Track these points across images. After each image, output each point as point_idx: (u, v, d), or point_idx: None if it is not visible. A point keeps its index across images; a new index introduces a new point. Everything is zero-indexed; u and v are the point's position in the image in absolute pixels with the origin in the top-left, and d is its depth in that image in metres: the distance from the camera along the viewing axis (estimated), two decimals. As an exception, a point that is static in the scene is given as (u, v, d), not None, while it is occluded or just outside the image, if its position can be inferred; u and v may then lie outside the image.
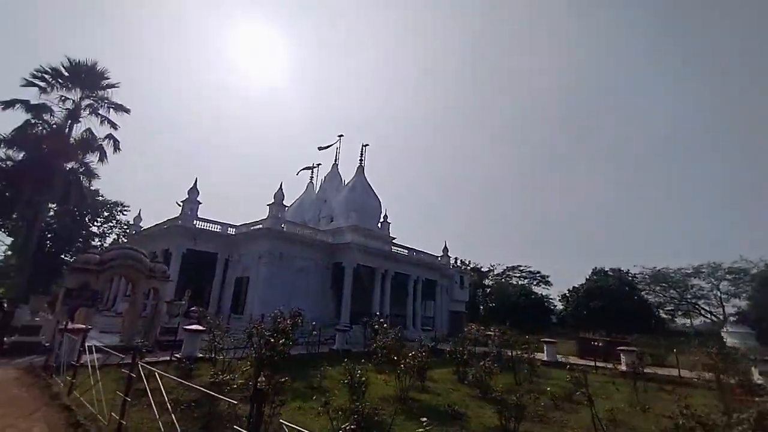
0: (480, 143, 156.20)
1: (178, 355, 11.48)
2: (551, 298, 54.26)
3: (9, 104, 20.00)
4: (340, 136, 43.58)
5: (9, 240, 35.32)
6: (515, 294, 50.25)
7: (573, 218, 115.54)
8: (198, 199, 23.27)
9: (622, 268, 49.63)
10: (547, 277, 58.15)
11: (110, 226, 41.66)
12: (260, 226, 22.33)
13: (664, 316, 50.31)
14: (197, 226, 22.99)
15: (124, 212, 42.58)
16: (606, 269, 49.19)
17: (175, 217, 23.22)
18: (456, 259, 53.65)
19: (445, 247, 36.47)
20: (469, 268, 56.03)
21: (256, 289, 21.13)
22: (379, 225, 36.14)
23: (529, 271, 59.17)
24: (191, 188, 23.19)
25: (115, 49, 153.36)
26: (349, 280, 23.19)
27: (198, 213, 23.21)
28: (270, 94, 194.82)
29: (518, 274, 59.73)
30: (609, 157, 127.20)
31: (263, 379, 5.78)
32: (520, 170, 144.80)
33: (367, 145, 39.38)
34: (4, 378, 7.77)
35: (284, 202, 23.07)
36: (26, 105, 20.40)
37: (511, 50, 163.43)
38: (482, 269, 59.74)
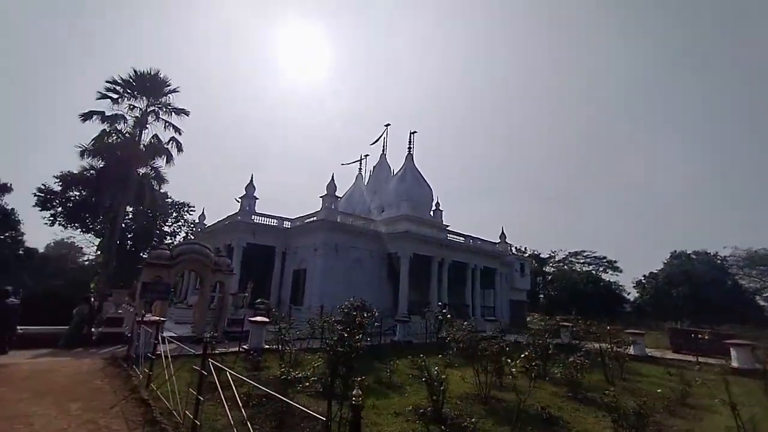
0: (532, 125, 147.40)
1: (245, 347, 11.58)
2: (621, 286, 49.70)
3: (87, 116, 21.72)
4: (387, 125, 42.92)
5: (97, 241, 39.44)
6: (580, 281, 46.57)
7: (641, 200, 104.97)
8: (255, 194, 23.89)
9: (708, 251, 43.87)
10: (615, 262, 53.32)
11: (179, 225, 44.96)
12: (314, 218, 22.40)
13: (762, 303, 43.85)
14: (255, 220, 23.64)
15: (190, 212, 45.73)
16: (688, 252, 43.82)
17: (234, 213, 24.07)
18: (512, 246, 51.03)
19: (503, 233, 34.52)
20: (527, 255, 52.99)
21: (314, 281, 21.26)
22: (431, 213, 35.09)
23: (594, 257, 54.65)
24: (248, 185, 23.85)
25: (169, 54, 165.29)
26: (405, 269, 22.57)
27: (255, 208, 23.82)
28: (316, 89, 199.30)
29: (582, 260, 55.43)
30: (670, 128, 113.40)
31: (338, 379, 5.25)
32: (574, 150, 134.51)
33: (415, 132, 38.28)
34: (90, 369, 8.11)
35: (336, 194, 22.90)
36: (102, 116, 22.09)
37: (562, 28, 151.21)
38: (541, 256, 56.24)
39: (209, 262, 14.79)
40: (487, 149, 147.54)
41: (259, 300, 15.33)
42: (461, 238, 27.21)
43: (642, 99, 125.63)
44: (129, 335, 12.65)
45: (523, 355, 6.67)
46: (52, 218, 35.46)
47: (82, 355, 9.70)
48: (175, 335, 12.24)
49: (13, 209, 35.06)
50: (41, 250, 45.84)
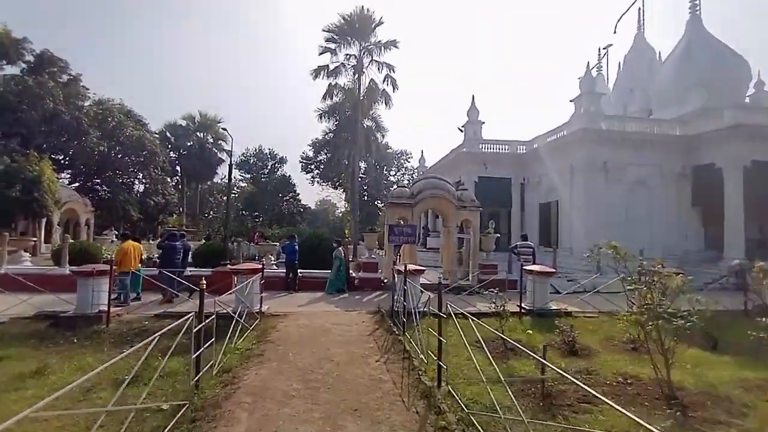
0: None
1: (526, 306, 8.23)
2: None
3: (317, 72, 23.13)
4: (643, -11, 29.35)
5: (344, 195, 46.31)
6: None
7: None
8: (480, 118, 20.02)
9: None
10: None
11: (401, 174, 47.53)
12: (563, 132, 16.54)
13: None
14: (483, 150, 19.95)
15: (408, 159, 47.47)
16: None
17: (459, 146, 21.13)
18: None
19: None
20: None
21: (573, 215, 15.96)
22: (747, 99, 21.98)
23: None
24: (470, 108, 20.17)
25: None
26: (736, 187, 13.90)
27: (482, 134, 20.04)
28: None
29: None
30: None
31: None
32: None
33: (702, -23, 24.35)
34: (359, 325, 6.52)
35: (599, 91, 16.02)
36: (326, 70, 23.17)
37: None
38: None
39: (452, 198, 12.15)
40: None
41: (521, 242, 11.70)
42: None
43: None
44: (386, 281, 11.81)
45: None
46: (312, 179, 43.69)
47: (348, 304, 8.78)
48: (427, 282, 10.44)
49: (289, 176, 45.29)
50: (312, 207, 59.31)
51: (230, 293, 6.51)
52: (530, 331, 6.58)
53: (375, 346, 5.54)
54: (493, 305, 6.59)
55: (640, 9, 30.13)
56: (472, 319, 4.20)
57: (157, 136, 36.87)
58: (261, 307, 7.22)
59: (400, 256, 14.01)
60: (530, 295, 8.21)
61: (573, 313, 8.27)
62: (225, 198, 47.12)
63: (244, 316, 6.87)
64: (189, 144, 37.81)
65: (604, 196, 15.17)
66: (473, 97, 20.14)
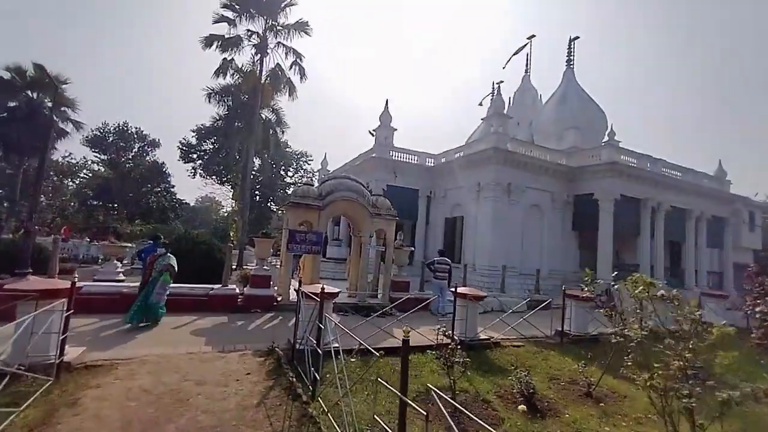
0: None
1: (457, 336, 6.95)
2: None
3: (208, 42, 19.21)
4: (531, 37, 33.48)
5: (232, 193, 40.89)
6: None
7: None
8: (392, 124, 19.10)
9: None
10: None
11: (300, 176, 44.34)
12: (473, 150, 16.64)
13: None
14: (393, 157, 19.05)
15: (308, 162, 44.68)
16: None
17: (368, 150, 19.84)
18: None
19: (721, 168, 23.91)
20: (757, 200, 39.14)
21: (477, 232, 16.03)
22: (602, 144, 26.34)
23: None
24: (383, 112, 19.12)
25: None
26: (607, 217, 15.68)
27: (393, 141, 19.15)
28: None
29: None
30: None
31: None
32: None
33: (576, 38, 28.72)
34: (241, 372, 4.20)
35: (505, 112, 16.57)
36: (221, 41, 19.40)
37: None
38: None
39: (366, 204, 10.49)
40: (675, 54, 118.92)
41: (438, 258, 10.64)
42: (677, 173, 18.57)
43: None
44: (279, 299, 9.38)
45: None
46: (192, 170, 37.17)
47: (227, 335, 6.19)
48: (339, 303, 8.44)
49: (163, 162, 37.76)
50: (191, 203, 51.04)
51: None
52: (470, 374, 5.22)
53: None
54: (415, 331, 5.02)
55: (528, 54, 34.25)
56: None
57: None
58: (62, 352, 4.22)
59: (299, 268, 11.71)
60: (460, 323, 6.96)
61: (500, 342, 7.33)
62: (66, 181, 36.86)
63: (25, 373, 3.91)
64: (12, 105, 28.11)
65: (507, 215, 15.57)
66: (387, 101, 19.20)
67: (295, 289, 6.12)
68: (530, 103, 31.55)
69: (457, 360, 4.41)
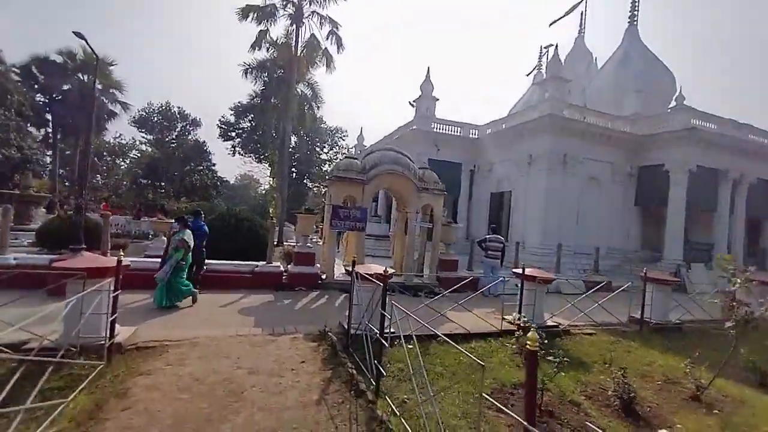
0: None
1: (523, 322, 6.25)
2: None
3: (244, 13, 18.68)
4: (586, -8, 30.03)
5: (269, 171, 41.41)
6: None
7: None
8: (434, 94, 17.93)
9: None
10: None
11: (335, 153, 44.00)
12: (534, 115, 15.13)
13: None
14: (435, 129, 17.99)
15: (343, 137, 44.10)
16: None
17: (408, 123, 18.87)
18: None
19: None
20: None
21: (528, 208, 14.90)
22: (672, 109, 23.60)
23: None
24: (424, 81, 17.95)
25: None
26: (678, 192, 13.97)
27: (435, 112, 18.04)
28: None
29: None
30: None
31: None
32: None
33: (642, -12, 25.38)
34: (294, 359, 3.83)
35: (563, 75, 14.93)
36: (257, 12, 18.83)
37: None
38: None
39: (413, 177, 9.78)
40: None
41: (490, 236, 9.82)
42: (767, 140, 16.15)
43: None
44: (324, 277, 9.08)
45: None
46: (232, 148, 37.89)
47: (276, 315, 5.90)
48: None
49: (204, 141, 38.72)
50: (232, 181, 52.53)
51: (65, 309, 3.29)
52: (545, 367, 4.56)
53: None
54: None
55: (582, 13, 31.00)
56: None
57: (17, 71, 28.08)
58: (112, 334, 4.01)
59: (342, 245, 11.36)
60: (527, 307, 6.24)
61: (569, 329, 6.56)
62: (117, 161, 38.87)
63: (78, 354, 3.73)
64: (65, 88, 29.51)
65: (561, 189, 14.27)
66: (428, 69, 17.94)
67: (345, 269, 5.64)
68: (584, 68, 28.70)
69: (551, 357, 3.73)
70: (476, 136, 18.54)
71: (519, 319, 5.95)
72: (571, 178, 14.51)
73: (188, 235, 6.55)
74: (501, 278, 9.11)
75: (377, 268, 5.52)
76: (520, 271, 6.49)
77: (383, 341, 3.65)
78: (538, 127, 14.36)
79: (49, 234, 9.21)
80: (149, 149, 37.38)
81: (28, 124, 28.31)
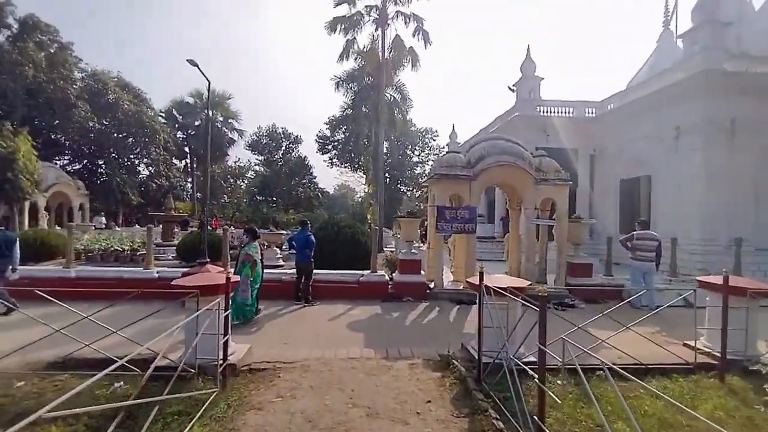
0: None
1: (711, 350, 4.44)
2: None
3: (332, 26, 19.26)
4: None
5: (364, 179, 42.65)
6: None
7: None
8: (537, 74, 15.83)
9: None
10: None
11: (426, 154, 43.28)
12: (679, 76, 12.07)
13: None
14: (541, 113, 15.81)
15: (434, 138, 43.07)
16: None
17: (509, 110, 17.04)
18: None
19: None
20: None
21: (678, 194, 11.85)
22: None
23: None
24: (524, 61, 15.99)
25: None
26: None
27: (540, 94, 15.89)
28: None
29: None
30: None
31: None
32: None
33: None
34: (418, 396, 3.08)
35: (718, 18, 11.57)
36: (344, 23, 19.26)
37: None
38: None
39: (528, 167, 8.34)
40: None
41: (639, 232, 7.77)
42: None
43: None
44: (431, 287, 8.26)
45: None
46: (330, 161, 40.13)
47: (388, 333, 5.27)
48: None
49: (305, 157, 41.87)
50: (331, 192, 55.93)
51: (176, 328, 3.16)
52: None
53: None
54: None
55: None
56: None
57: (162, 114, 34.11)
58: (225, 354, 3.77)
59: (448, 250, 10.40)
60: (736, 334, 4.40)
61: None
62: (238, 182, 44.38)
63: (196, 375, 3.55)
64: (197, 123, 34.86)
65: (727, 167, 10.95)
66: (528, 47, 15.91)
67: (466, 281, 4.71)
68: (734, 9, 22.52)
69: None
70: (593, 115, 15.75)
71: (719, 349, 4.18)
72: (742, 152, 11.03)
73: (255, 249, 6.13)
74: (656, 287, 7.12)
75: (508, 280, 4.45)
76: (709, 279, 4.66)
77: (541, 385, 2.61)
78: (687, 90, 11.30)
79: (184, 248, 10.34)
80: (261, 169, 41.89)
81: (173, 157, 34.12)
